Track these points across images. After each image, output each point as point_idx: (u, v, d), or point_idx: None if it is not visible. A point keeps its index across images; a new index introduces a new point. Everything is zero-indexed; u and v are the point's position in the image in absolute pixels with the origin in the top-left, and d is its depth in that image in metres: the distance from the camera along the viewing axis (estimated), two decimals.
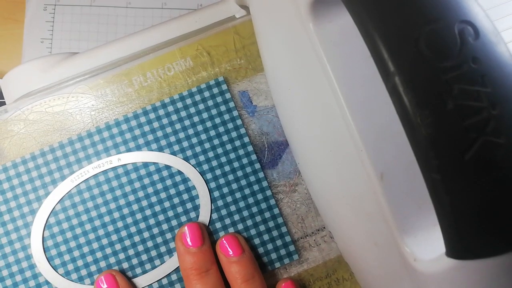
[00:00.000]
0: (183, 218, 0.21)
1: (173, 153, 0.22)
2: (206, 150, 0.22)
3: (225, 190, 0.22)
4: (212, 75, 0.22)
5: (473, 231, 0.12)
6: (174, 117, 0.22)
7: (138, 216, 0.21)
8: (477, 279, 0.13)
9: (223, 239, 0.21)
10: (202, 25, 0.23)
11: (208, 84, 0.22)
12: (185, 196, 0.22)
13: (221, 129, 0.22)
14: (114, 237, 0.21)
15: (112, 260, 0.21)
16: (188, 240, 0.20)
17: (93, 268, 0.21)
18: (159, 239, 0.21)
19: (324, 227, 0.22)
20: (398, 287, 0.17)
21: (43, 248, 0.21)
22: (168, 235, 0.21)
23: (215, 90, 0.22)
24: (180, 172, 0.22)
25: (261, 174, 0.22)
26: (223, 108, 0.22)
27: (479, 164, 0.12)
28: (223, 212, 0.22)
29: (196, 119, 0.22)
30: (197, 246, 0.20)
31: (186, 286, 0.20)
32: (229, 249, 0.20)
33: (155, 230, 0.21)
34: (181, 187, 0.22)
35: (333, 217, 0.20)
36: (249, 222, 0.22)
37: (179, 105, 0.22)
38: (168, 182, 0.22)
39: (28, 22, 0.36)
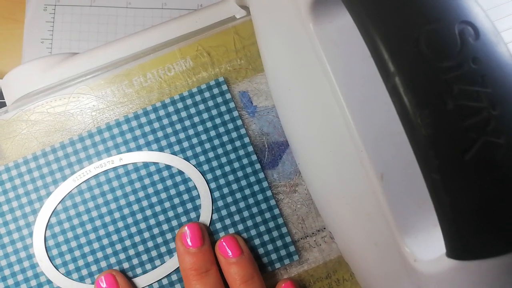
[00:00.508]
0: (184, 219, 0.22)
1: (174, 154, 0.22)
2: (206, 151, 0.22)
3: (225, 190, 0.22)
4: (213, 76, 0.22)
5: (473, 232, 0.12)
6: (174, 118, 0.22)
7: (139, 216, 0.21)
8: (477, 280, 0.13)
9: (222, 240, 0.21)
10: (202, 26, 0.23)
11: (208, 85, 0.22)
12: (186, 197, 0.22)
13: (222, 129, 0.22)
14: (114, 237, 0.21)
15: (112, 260, 0.21)
16: (188, 240, 0.20)
17: (93, 268, 0.21)
18: (159, 239, 0.21)
19: (325, 228, 0.22)
20: (398, 287, 0.17)
21: (45, 248, 0.21)
22: (169, 235, 0.21)
23: (216, 91, 0.22)
24: (181, 172, 0.22)
25: (261, 175, 0.22)
26: (223, 108, 0.22)
27: (480, 164, 0.12)
28: (223, 212, 0.22)
29: (196, 119, 0.22)
30: (197, 247, 0.20)
31: (186, 286, 0.20)
32: (228, 250, 0.20)
33: (156, 230, 0.21)
34: (182, 188, 0.22)
35: (333, 218, 0.20)
36: (250, 223, 0.22)
37: (180, 105, 0.22)
38: (169, 182, 0.22)
39: (28, 22, 0.36)
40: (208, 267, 0.20)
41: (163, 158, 0.22)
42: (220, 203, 0.22)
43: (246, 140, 0.22)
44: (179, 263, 0.21)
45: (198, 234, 0.20)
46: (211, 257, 0.20)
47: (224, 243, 0.20)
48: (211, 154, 0.22)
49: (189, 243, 0.20)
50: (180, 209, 0.22)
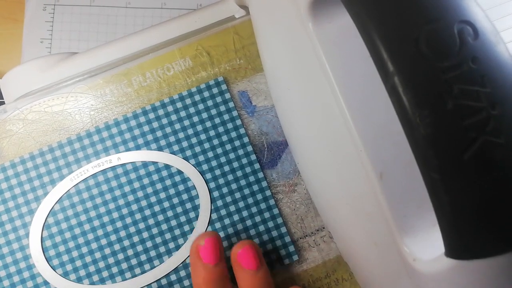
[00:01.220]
0: (183, 218, 0.21)
1: (173, 153, 0.22)
2: (205, 150, 0.22)
3: (225, 190, 0.22)
4: (212, 75, 0.22)
5: (472, 231, 0.12)
6: (173, 117, 0.22)
7: (138, 216, 0.21)
8: (476, 279, 0.13)
9: (241, 249, 0.19)
10: (202, 25, 0.23)
11: (207, 84, 0.22)
12: (185, 196, 0.22)
13: (221, 129, 0.22)
14: (113, 238, 0.21)
15: (111, 260, 0.21)
16: (205, 256, 0.19)
17: (91, 268, 0.21)
18: (158, 239, 0.21)
19: (324, 227, 0.22)
20: (398, 287, 0.17)
21: (42, 248, 0.21)
22: (168, 235, 0.21)
23: (215, 90, 0.22)
24: (180, 172, 0.22)
25: (260, 174, 0.22)
26: (222, 108, 0.22)
27: (479, 163, 0.12)
28: (223, 212, 0.22)
29: (195, 119, 0.22)
30: (214, 264, 0.19)
31: None
32: (248, 261, 0.19)
33: (155, 230, 0.21)
34: (181, 187, 0.22)
35: (332, 217, 0.20)
36: (249, 222, 0.22)
37: (179, 105, 0.22)
38: (168, 182, 0.22)
39: (28, 22, 0.36)
40: (222, 284, 0.19)
41: (162, 157, 0.22)
42: (219, 202, 0.22)
43: (245, 139, 0.22)
44: (191, 274, 0.20)
45: (216, 251, 0.19)
46: (226, 273, 0.19)
47: (243, 253, 0.19)
48: (210, 154, 0.22)
49: (206, 259, 0.19)
50: (179, 209, 0.21)
